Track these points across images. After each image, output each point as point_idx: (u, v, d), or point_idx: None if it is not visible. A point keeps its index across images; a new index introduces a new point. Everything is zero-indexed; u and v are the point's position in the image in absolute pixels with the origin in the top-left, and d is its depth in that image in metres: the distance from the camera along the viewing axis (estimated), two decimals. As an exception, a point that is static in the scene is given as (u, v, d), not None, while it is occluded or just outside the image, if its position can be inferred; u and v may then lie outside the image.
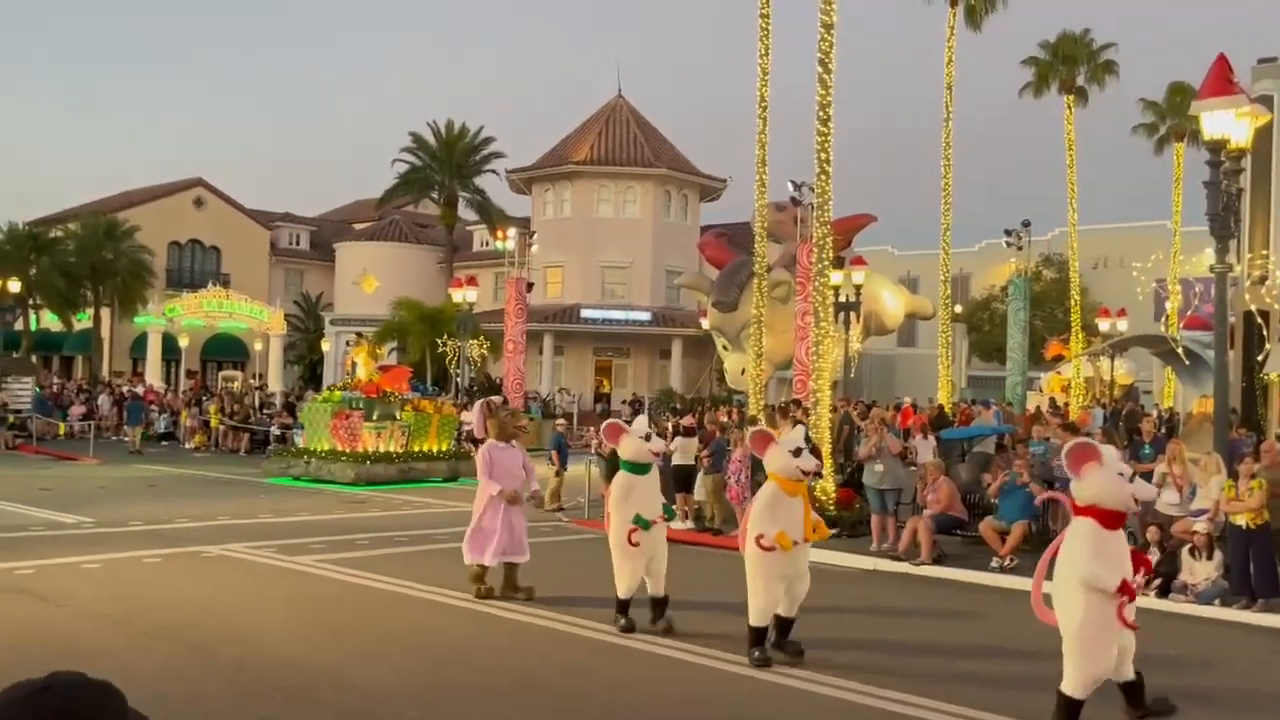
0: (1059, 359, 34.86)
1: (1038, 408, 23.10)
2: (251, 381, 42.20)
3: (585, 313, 44.42)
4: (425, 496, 19.88)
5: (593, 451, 17.97)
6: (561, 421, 20.56)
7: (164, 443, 31.99)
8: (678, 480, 15.80)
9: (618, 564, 8.93)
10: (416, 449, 22.24)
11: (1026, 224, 28.76)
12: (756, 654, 7.78)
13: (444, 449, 22.81)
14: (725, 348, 27.59)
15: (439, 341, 36.08)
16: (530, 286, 35.11)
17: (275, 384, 41.57)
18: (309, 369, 52.29)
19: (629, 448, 8.82)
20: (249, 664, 7.72)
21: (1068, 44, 30.86)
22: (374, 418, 21.93)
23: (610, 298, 45.70)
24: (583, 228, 45.51)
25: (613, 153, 46.49)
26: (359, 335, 41.76)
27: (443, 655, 8.13)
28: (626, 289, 45.98)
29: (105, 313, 44.16)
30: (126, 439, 29.90)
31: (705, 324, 32.95)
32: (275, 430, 28.67)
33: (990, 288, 46.49)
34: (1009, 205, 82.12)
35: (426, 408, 22.83)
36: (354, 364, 23.94)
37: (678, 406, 24.92)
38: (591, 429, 22.83)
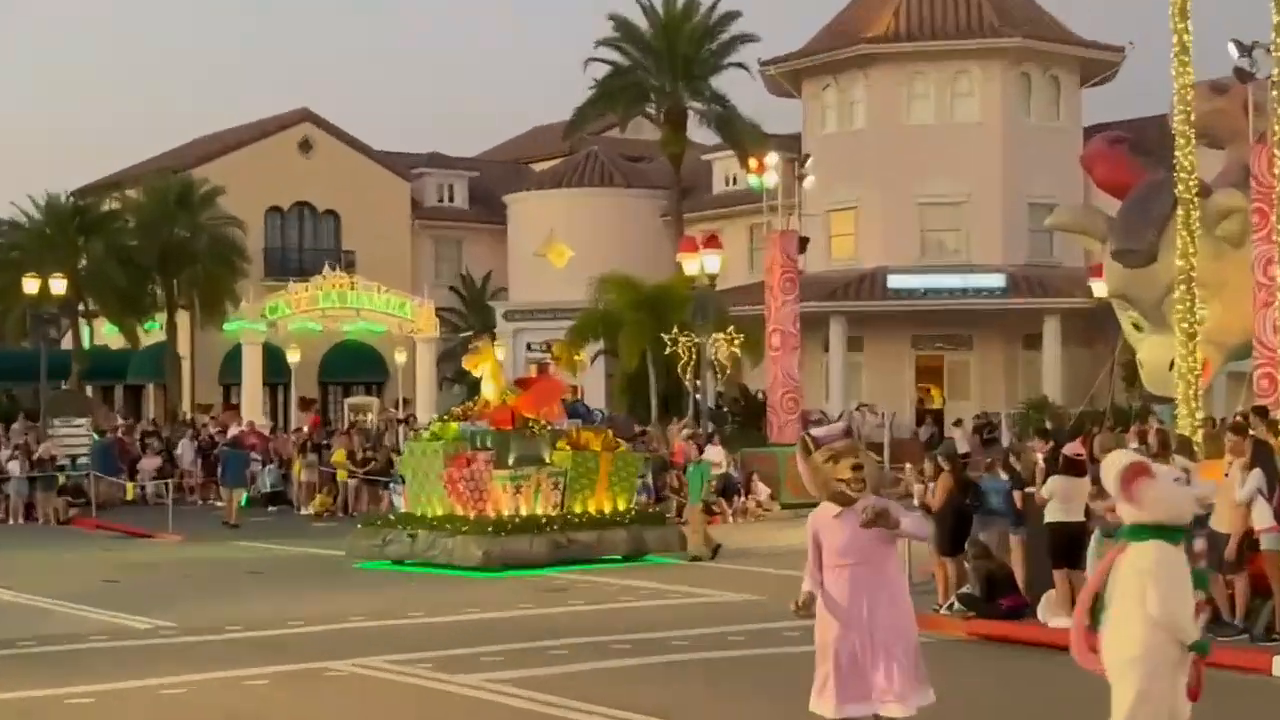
0: None
1: None
2: (393, 411, 44.48)
3: (895, 281, 44.02)
4: (651, 580, 20.26)
5: (916, 501, 17.73)
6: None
7: (272, 507, 34.28)
8: (1056, 546, 15.33)
9: (1125, 701, 7.97)
10: (578, 510, 22.74)
11: None
12: None
13: (622, 509, 23.27)
14: (1137, 326, 26.18)
15: (665, 338, 36.73)
16: (805, 244, 35.19)
17: (425, 413, 43.61)
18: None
19: (1161, 499, 7.83)
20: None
21: None
22: (510, 462, 22.45)
23: (936, 255, 45.09)
24: (886, 144, 45.15)
25: (932, 19, 45.82)
26: (546, 346, 43.23)
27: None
28: (962, 239, 45.19)
29: (182, 318, 47.76)
30: (220, 504, 32.11)
31: (1100, 289, 31.59)
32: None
33: None
34: None
35: (591, 443, 23.28)
36: (480, 375, 24.04)
37: (1051, 427, 24.09)
38: (910, 466, 22.35)
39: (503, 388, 23.66)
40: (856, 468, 8.32)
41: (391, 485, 27.08)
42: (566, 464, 22.79)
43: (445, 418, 24.39)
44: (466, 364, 24.78)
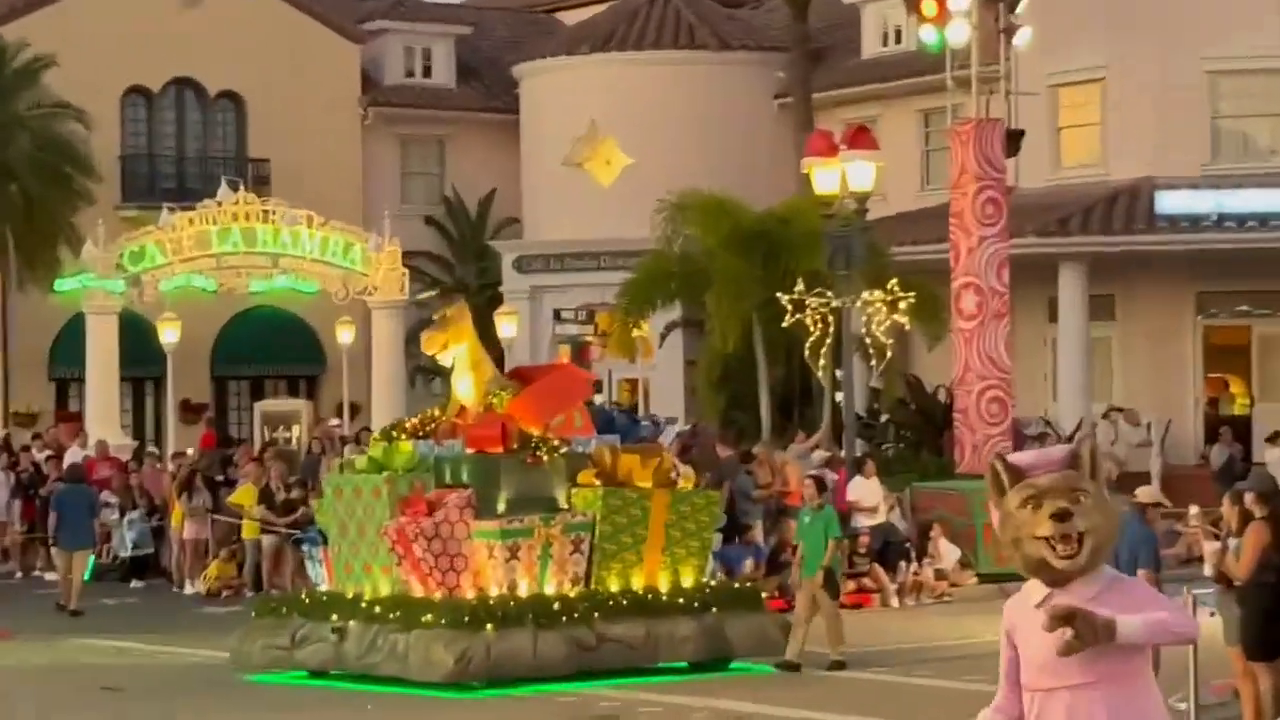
0: None
1: None
2: (334, 423, 44.44)
3: (1169, 202, 43.70)
4: (771, 703, 20.16)
5: (1208, 570, 17.56)
6: (1149, 492, 19.93)
7: (137, 581, 34.50)
8: None
9: None
10: (614, 587, 22.66)
11: None
12: None
13: (689, 585, 23.19)
14: None
15: (783, 300, 36.55)
16: (1017, 141, 34.78)
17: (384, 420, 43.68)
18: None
19: None
20: None
21: None
22: (501, 508, 22.36)
23: (1237, 158, 44.81)
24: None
25: None
26: (585, 315, 42.99)
27: None
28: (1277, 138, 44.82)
29: (-11, 273, 48.18)
30: (52, 575, 32.26)
31: None
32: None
33: None
34: None
35: (635, 474, 23.09)
36: (451, 363, 24.04)
37: None
38: (1196, 511, 22.19)
39: (488, 382, 23.44)
40: (1061, 516, 7.83)
41: (307, 547, 26.21)
42: (594, 510, 22.59)
43: (394, 433, 24.07)
44: (427, 345, 24.33)
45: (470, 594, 21.68)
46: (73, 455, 39.24)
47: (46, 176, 46.20)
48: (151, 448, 44.53)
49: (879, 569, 30.96)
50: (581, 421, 23.95)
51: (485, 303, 53.05)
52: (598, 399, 25.79)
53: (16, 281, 47.18)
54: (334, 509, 23.52)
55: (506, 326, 47.84)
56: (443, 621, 21.26)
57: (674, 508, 23.07)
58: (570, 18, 60.00)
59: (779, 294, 36.92)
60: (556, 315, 48.35)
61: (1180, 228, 43.61)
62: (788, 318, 36.58)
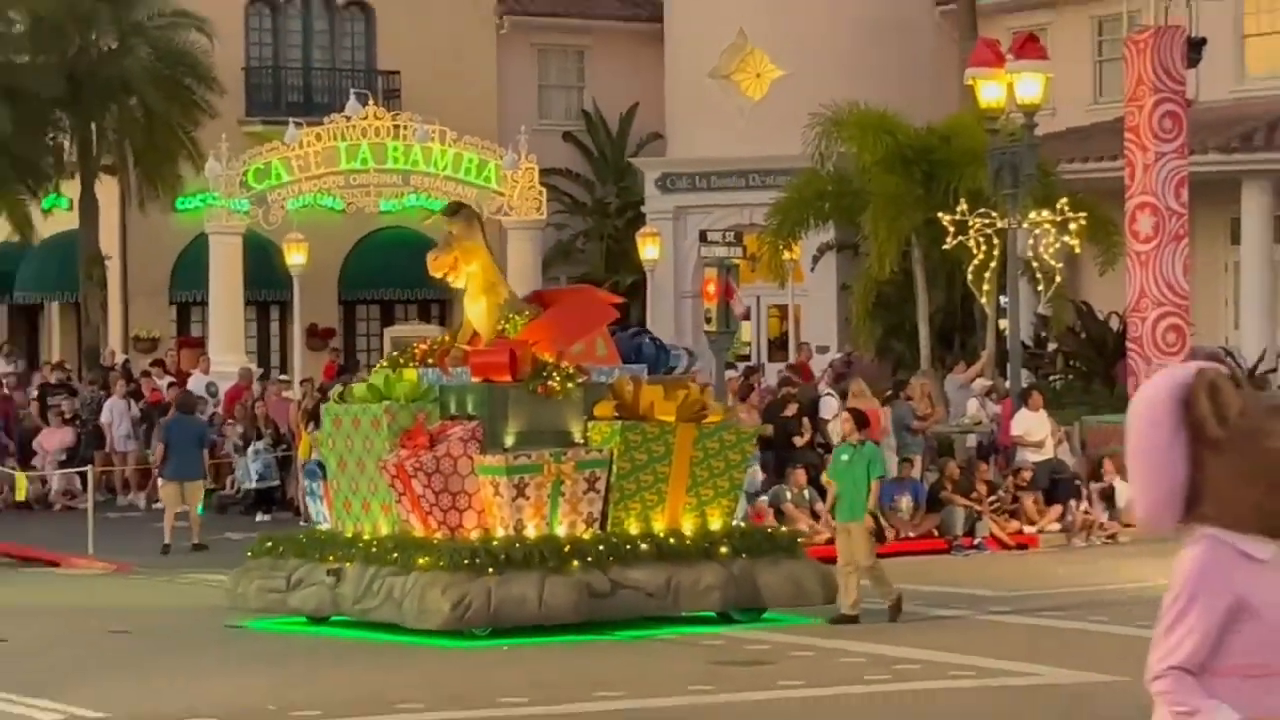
0: None
1: None
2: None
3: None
4: (914, 646, 20.18)
5: None
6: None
7: (263, 515, 34.91)
8: None
9: None
10: (633, 530, 22.19)
11: None
12: None
13: (717, 529, 22.77)
14: None
15: (945, 221, 36.45)
16: (1199, 49, 34.48)
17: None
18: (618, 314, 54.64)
19: None
20: None
21: None
22: (509, 442, 21.99)
23: None
24: None
25: None
26: (734, 237, 42.93)
27: None
28: None
29: (107, 190, 48.53)
30: (162, 505, 32.61)
31: None
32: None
33: None
34: None
35: (658, 407, 22.45)
36: (462, 285, 23.35)
37: None
38: None
39: (502, 306, 22.89)
40: None
41: (307, 481, 26.18)
42: (611, 445, 22.10)
43: (398, 358, 23.88)
44: (435, 266, 23.31)
45: (473, 535, 21.35)
46: (195, 383, 39.75)
47: (167, 89, 46.52)
48: (276, 377, 44.93)
49: (1041, 501, 31.03)
50: (605, 350, 23.29)
51: (626, 224, 53.30)
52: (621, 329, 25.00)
53: (137, 200, 47.50)
54: (333, 441, 23.16)
55: (649, 249, 47.84)
56: (441, 564, 20.87)
57: (700, 444, 22.44)
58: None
59: (940, 215, 36.87)
60: (702, 237, 47.96)
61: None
62: (949, 240, 36.50)
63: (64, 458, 36.77)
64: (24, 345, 54.42)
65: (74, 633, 22.20)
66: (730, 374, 34.99)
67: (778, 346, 50.77)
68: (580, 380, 22.10)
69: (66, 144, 47.62)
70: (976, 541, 30.19)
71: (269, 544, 23.49)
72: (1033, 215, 34.86)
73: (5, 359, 47.61)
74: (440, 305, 53.83)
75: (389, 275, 52.87)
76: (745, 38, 51.66)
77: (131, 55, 46.50)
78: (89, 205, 47.79)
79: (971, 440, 32.49)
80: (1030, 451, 31.94)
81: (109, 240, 49.57)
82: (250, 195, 44.13)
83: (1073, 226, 35.81)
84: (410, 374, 22.47)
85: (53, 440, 37.44)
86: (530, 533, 21.30)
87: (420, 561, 20.97)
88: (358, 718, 16.43)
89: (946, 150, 38.81)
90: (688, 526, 22.31)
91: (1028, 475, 31.39)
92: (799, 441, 31.09)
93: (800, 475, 29.89)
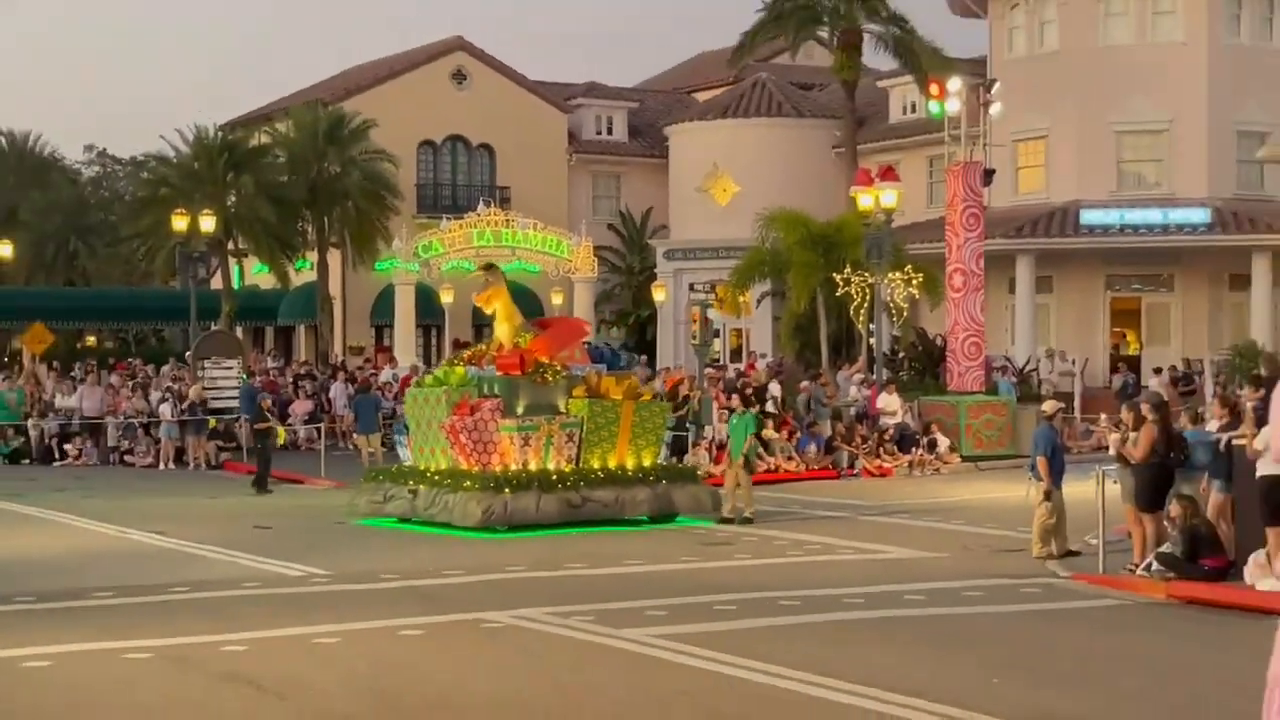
0: None
1: None
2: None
3: (1089, 216, 43.12)
4: (820, 535, 20.20)
5: (1112, 451, 17.36)
6: (1050, 406, 19.75)
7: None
8: (1268, 502, 14.89)
9: None
10: (595, 465, 21.96)
11: None
12: None
13: (647, 465, 22.45)
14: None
15: (838, 279, 36.47)
16: (990, 176, 34.59)
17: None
18: (635, 331, 54.79)
19: None
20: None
21: None
22: (519, 411, 21.80)
23: (1134, 187, 44.04)
24: (1080, 67, 44.08)
25: (1129, -69, 44.54)
26: (709, 287, 43.05)
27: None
28: (1163, 170, 44.06)
29: (334, 257, 48.71)
30: (364, 453, 32.47)
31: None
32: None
33: None
34: None
35: (611, 390, 22.46)
36: (493, 314, 23.39)
37: (1262, 374, 23.45)
38: (1105, 418, 21.87)
39: (517, 328, 23.01)
40: None
41: (396, 435, 26.41)
42: (582, 413, 22.01)
43: (454, 360, 23.83)
44: (478, 301, 24.02)
45: (497, 468, 21.27)
46: (385, 375, 39.99)
47: (370, 197, 46.65)
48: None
49: (897, 451, 30.98)
50: (580, 355, 23.41)
51: (645, 279, 53.24)
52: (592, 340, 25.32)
53: (352, 264, 47.77)
54: (413, 410, 23.13)
55: (659, 294, 47.97)
56: (477, 486, 20.87)
57: (637, 413, 22.42)
58: (702, 96, 59.88)
59: (834, 275, 36.87)
60: (691, 287, 48.19)
61: (1095, 233, 43.13)
62: (840, 289, 36.51)
63: (306, 418, 36.88)
64: (284, 350, 54.64)
65: (310, 524, 22.34)
66: (708, 370, 34.91)
67: (736, 354, 50.72)
68: (563, 374, 22.38)
69: (309, 229, 47.81)
70: (855, 472, 30.16)
71: (374, 474, 23.59)
72: (891, 275, 34.78)
73: (272, 359, 47.83)
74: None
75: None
76: (717, 167, 51.68)
77: (349, 176, 46.63)
78: (322, 266, 48.00)
79: (853, 410, 32.42)
80: (888, 418, 31.91)
81: (335, 287, 49.76)
82: (419, 261, 44.28)
83: (914, 282, 35.82)
84: (460, 370, 22.59)
85: (301, 407, 37.59)
86: (532, 467, 21.39)
87: (465, 485, 21.03)
88: (425, 579, 16.54)
89: (839, 236, 38.67)
90: (629, 463, 22.25)
91: (889, 434, 31.40)
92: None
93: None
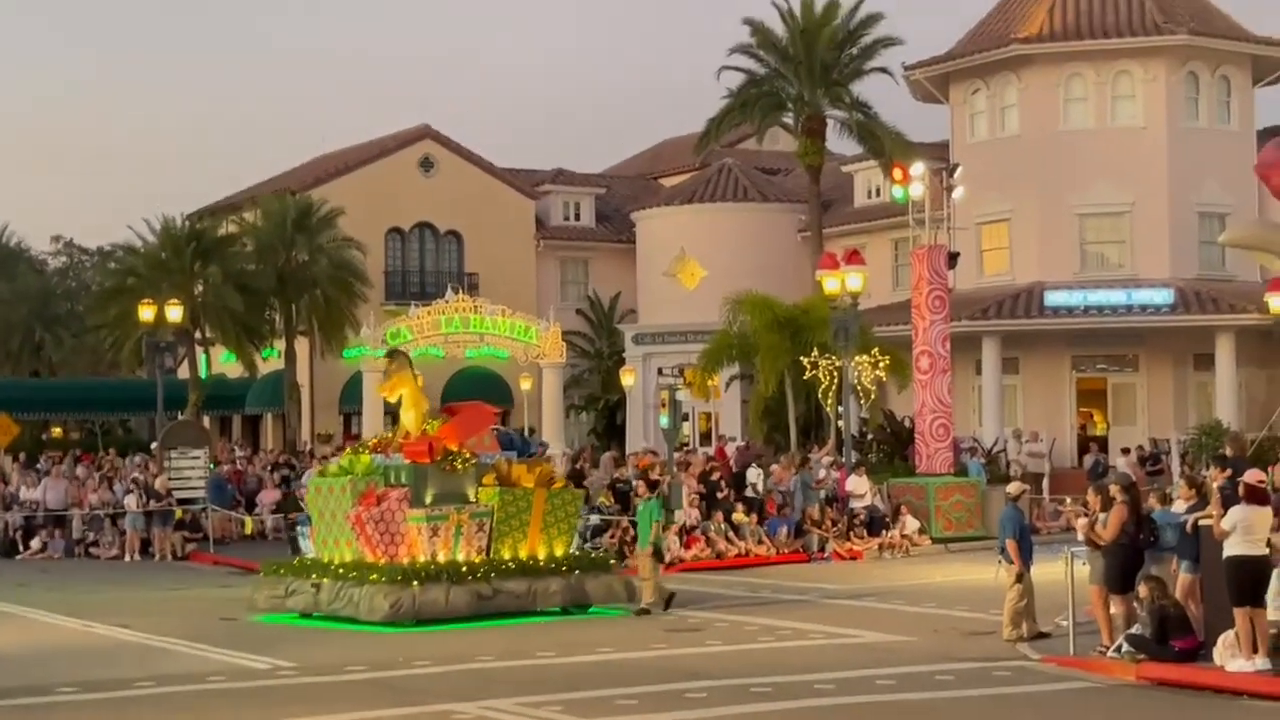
0: None
1: None
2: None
3: (1053, 298, 43.38)
4: (791, 620, 20.11)
5: (1080, 536, 17.40)
6: (1015, 487, 19.82)
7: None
8: (1236, 582, 14.93)
9: None
10: (506, 555, 21.51)
11: None
12: None
13: (559, 554, 21.98)
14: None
15: (805, 362, 36.58)
16: (955, 259, 34.78)
17: (554, 441, 43.84)
18: (605, 416, 54.73)
19: None
20: None
21: None
22: (427, 500, 21.25)
23: (1097, 269, 44.35)
24: (1041, 151, 44.51)
25: (1089, 16, 45.13)
26: (678, 371, 43.08)
27: None
28: (1125, 252, 44.40)
29: (301, 345, 48.64)
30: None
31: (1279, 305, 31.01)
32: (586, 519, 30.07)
33: None
34: None
35: (523, 478, 22.01)
36: (397, 401, 22.56)
37: (1227, 454, 23.54)
38: (1071, 499, 21.93)
39: (424, 415, 22.29)
40: None
41: (298, 526, 25.59)
42: (493, 502, 21.51)
43: (357, 449, 22.93)
44: (380, 389, 23.03)
45: (405, 560, 20.81)
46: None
47: (338, 285, 46.67)
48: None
49: (866, 534, 30.94)
50: (489, 442, 22.93)
51: (614, 363, 53.25)
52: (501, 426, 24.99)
53: (320, 352, 47.71)
54: (316, 500, 22.58)
55: (628, 379, 47.94)
56: (384, 579, 20.40)
57: (550, 501, 21.98)
58: (669, 182, 60.25)
59: (802, 358, 36.95)
60: (659, 372, 48.20)
61: (1060, 314, 43.29)
62: (808, 372, 36.55)
63: (274, 508, 36.62)
64: (251, 439, 54.38)
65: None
66: (676, 454, 34.85)
67: (705, 438, 50.65)
68: (473, 461, 21.84)
69: (277, 318, 47.76)
70: (826, 555, 30.09)
71: (274, 568, 22.86)
72: (858, 358, 34.88)
73: (239, 447, 47.60)
74: (503, 414, 53.75)
75: (471, 395, 52.14)
76: (684, 252, 51.94)
77: (317, 264, 46.65)
78: (290, 354, 47.91)
79: (823, 493, 32.37)
80: (857, 500, 31.89)
81: (303, 375, 49.62)
82: (387, 347, 44.10)
83: (881, 365, 35.92)
84: (365, 458, 21.92)
85: (269, 496, 37.32)
86: (441, 558, 20.88)
87: (371, 577, 20.52)
88: (329, 675, 16.30)
89: (806, 319, 38.82)
90: (541, 553, 21.80)
91: (857, 515, 31.38)
92: (719, 495, 30.95)
93: (719, 515, 29.84)
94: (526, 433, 46.87)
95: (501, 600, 20.97)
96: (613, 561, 23.68)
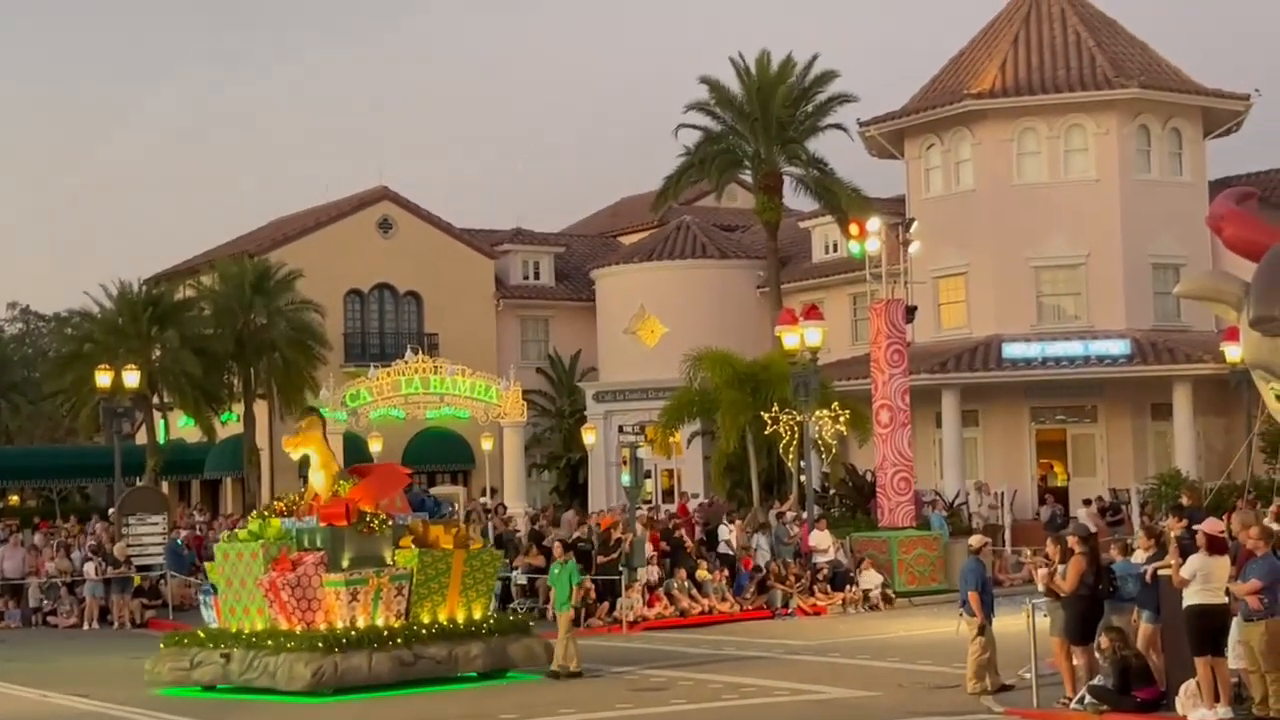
0: None
1: None
2: (481, 500, 44.55)
3: (1011, 350, 43.65)
4: (755, 677, 20.05)
5: (1040, 587, 17.46)
6: (976, 540, 19.87)
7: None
8: (1196, 632, 15.00)
9: None
10: (425, 619, 21.05)
11: None
12: None
13: (478, 617, 21.63)
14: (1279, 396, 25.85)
15: (766, 417, 36.67)
16: (912, 313, 34.96)
17: (516, 501, 43.75)
18: (567, 474, 54.61)
19: None
20: None
21: None
22: (344, 564, 20.70)
23: (1054, 321, 44.70)
24: (996, 205, 44.94)
25: (1040, 71, 45.68)
26: (638, 429, 43.13)
27: None
28: (1082, 304, 44.78)
29: (260, 408, 48.43)
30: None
31: (1234, 352, 31.08)
32: (518, 577, 29.98)
33: None
34: None
35: (441, 540, 21.51)
36: (306, 461, 21.88)
37: (1185, 504, 23.69)
38: (1031, 551, 22.01)
39: (335, 476, 21.56)
40: None
41: (201, 595, 24.75)
42: (412, 564, 21.07)
43: (265, 513, 22.01)
44: (286, 446, 22.34)
45: (322, 627, 20.26)
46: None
47: (297, 348, 46.58)
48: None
49: (830, 589, 30.92)
50: (401, 503, 22.28)
51: (575, 422, 53.16)
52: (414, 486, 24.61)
53: (280, 415, 47.47)
54: (223, 568, 21.71)
55: (589, 436, 47.76)
56: (303, 647, 19.86)
57: (468, 563, 21.55)
58: (628, 240, 60.47)
59: (762, 413, 37.06)
60: (620, 429, 48.37)
61: (1018, 366, 43.56)
62: (769, 428, 36.68)
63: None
64: (211, 504, 54.03)
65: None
66: (639, 511, 34.80)
67: (668, 495, 50.62)
68: (389, 523, 21.33)
69: (235, 381, 47.57)
70: (790, 611, 30.07)
71: (177, 638, 22.16)
72: (818, 413, 34.99)
73: (199, 513, 47.31)
74: (464, 473, 53.72)
75: (432, 456, 52.67)
76: (644, 309, 52.10)
77: (276, 327, 46.55)
78: (249, 418, 47.71)
79: (792, 548, 32.38)
80: (820, 555, 31.91)
81: (262, 438, 49.29)
82: (347, 410, 44.00)
83: (842, 419, 36.04)
84: (276, 522, 21.26)
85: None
86: (360, 624, 20.37)
87: (289, 646, 19.95)
88: None
89: (766, 374, 38.95)
90: (460, 616, 21.42)
91: (824, 572, 31.38)
92: (686, 550, 30.97)
93: (682, 573, 29.80)
94: (488, 493, 46.88)
95: (422, 666, 20.51)
96: (531, 624, 23.38)
